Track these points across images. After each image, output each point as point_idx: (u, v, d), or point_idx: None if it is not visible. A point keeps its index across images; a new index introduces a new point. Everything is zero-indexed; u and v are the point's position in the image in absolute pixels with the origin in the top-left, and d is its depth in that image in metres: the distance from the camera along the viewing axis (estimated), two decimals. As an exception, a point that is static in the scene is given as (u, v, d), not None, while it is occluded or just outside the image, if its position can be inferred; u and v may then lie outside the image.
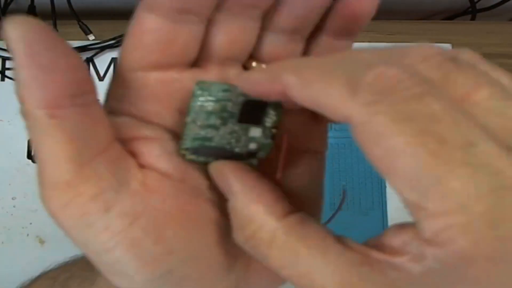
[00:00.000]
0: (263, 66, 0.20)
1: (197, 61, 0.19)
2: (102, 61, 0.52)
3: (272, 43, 0.20)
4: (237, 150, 0.19)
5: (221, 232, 0.19)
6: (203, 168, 0.19)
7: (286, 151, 0.19)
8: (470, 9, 0.60)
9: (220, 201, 0.19)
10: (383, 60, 0.14)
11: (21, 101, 0.15)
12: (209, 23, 0.18)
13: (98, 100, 0.17)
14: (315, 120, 0.20)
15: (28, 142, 0.51)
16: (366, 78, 0.13)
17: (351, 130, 0.14)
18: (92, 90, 0.16)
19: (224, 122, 0.19)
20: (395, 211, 0.53)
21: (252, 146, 0.19)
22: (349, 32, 0.20)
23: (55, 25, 0.50)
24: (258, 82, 0.17)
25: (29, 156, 0.51)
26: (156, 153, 0.18)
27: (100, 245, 0.17)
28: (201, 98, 0.18)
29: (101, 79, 0.52)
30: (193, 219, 0.18)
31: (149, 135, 0.18)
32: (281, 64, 0.16)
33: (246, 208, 0.17)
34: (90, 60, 0.52)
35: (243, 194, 0.17)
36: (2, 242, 0.49)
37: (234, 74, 0.20)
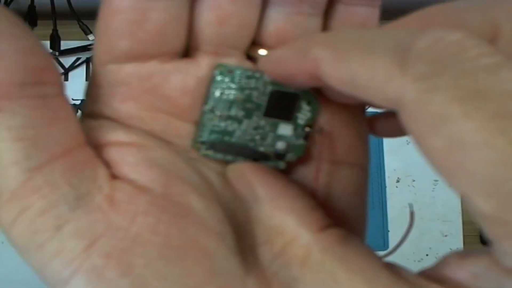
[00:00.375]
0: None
1: (187, 51, 0.16)
2: (102, 61, 0.53)
3: (279, 21, 0.16)
4: (261, 149, 0.17)
5: (214, 265, 0.15)
6: (195, 179, 0.16)
7: (324, 154, 0.16)
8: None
9: (217, 224, 0.15)
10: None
11: None
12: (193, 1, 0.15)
13: (64, 94, 0.14)
14: (356, 121, 0.17)
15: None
16: (419, 43, 0.10)
17: (399, 115, 0.11)
18: (54, 80, 0.14)
19: (248, 114, 0.16)
20: (395, 211, 0.53)
21: (280, 145, 0.17)
22: None
23: (55, 25, 0.50)
24: (283, 59, 0.14)
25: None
26: (131, 161, 0.15)
27: (54, 274, 0.13)
28: (221, 85, 0.16)
29: (101, 79, 0.52)
30: (174, 245, 0.14)
31: (124, 140, 0.16)
32: (310, 37, 0.13)
33: (274, 217, 0.15)
34: (90, 60, 0.52)
35: (270, 201, 0.15)
36: (2, 242, 0.49)
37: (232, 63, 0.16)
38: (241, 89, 0.16)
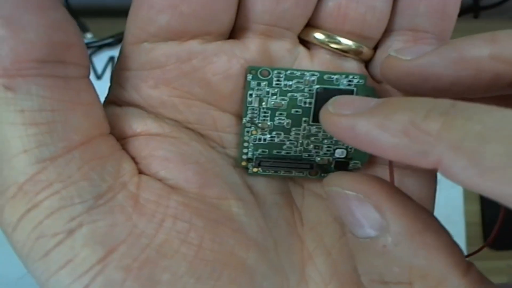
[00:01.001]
0: (328, 36, 0.15)
1: (232, 31, 0.14)
2: (100, 60, 0.52)
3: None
4: (318, 160, 0.15)
5: (253, 285, 0.13)
6: (235, 180, 0.14)
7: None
8: (473, 7, 0.59)
9: (258, 234, 0.14)
10: None
11: None
12: None
13: (88, 78, 0.13)
14: None
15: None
16: None
17: None
18: (79, 61, 0.12)
19: (296, 122, 0.14)
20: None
21: (340, 153, 0.15)
22: None
23: (52, 23, 0.50)
24: (387, 145, 0.11)
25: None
26: (162, 155, 0.13)
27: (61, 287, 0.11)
28: (258, 91, 0.14)
29: (99, 77, 0.51)
30: (208, 259, 0.12)
31: (154, 131, 0.14)
32: (431, 127, 0.10)
33: (415, 256, 0.11)
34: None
35: (411, 236, 0.12)
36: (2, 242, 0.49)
37: (284, 49, 0.14)
38: (282, 92, 0.14)
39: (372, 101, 0.12)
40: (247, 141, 0.14)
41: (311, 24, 0.15)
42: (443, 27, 0.16)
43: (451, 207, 0.52)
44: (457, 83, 0.13)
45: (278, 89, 0.14)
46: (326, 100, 0.13)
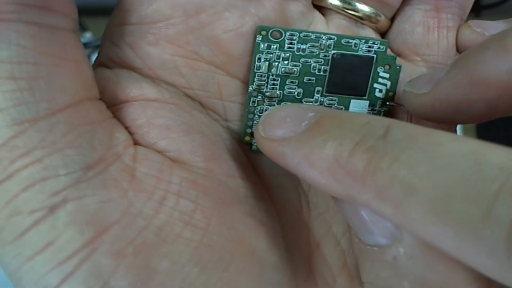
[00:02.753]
0: (344, 2, 0.14)
1: None
2: (100, 59, 0.51)
3: None
4: None
5: (262, 276, 0.11)
6: (241, 156, 0.13)
7: None
8: (474, 7, 0.59)
9: (267, 218, 0.12)
10: None
11: None
12: None
13: (76, 32, 0.11)
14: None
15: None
16: None
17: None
18: (67, 10, 0.10)
19: (308, 91, 0.13)
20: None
21: None
22: None
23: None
24: (316, 183, 0.10)
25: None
26: (162, 123, 0.12)
27: (35, 277, 0.09)
28: (268, 54, 0.13)
29: (98, 77, 0.51)
30: (214, 245, 0.11)
31: (152, 96, 0.12)
32: (356, 168, 0.09)
33: (427, 268, 0.10)
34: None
35: (419, 244, 0.10)
36: None
37: (298, 11, 0.13)
38: (294, 57, 0.12)
39: (306, 118, 0.11)
40: (253, 113, 0.13)
41: None
42: None
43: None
44: (484, 104, 0.12)
45: (290, 53, 0.13)
46: (342, 68, 0.13)
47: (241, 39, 0.13)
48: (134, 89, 0.12)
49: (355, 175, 0.09)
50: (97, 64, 0.13)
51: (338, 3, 0.14)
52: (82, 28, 0.50)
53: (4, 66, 0.09)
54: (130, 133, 0.12)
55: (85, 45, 0.51)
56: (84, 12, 0.51)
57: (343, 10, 0.14)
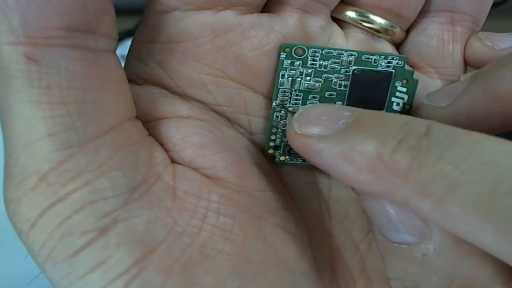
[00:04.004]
0: (360, 15, 0.14)
1: (268, 5, 0.14)
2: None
3: None
4: None
5: (294, 285, 0.12)
6: (269, 169, 0.14)
7: None
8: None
9: (296, 229, 0.13)
10: None
11: None
12: None
13: (115, 54, 0.11)
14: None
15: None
16: None
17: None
18: (109, 32, 0.11)
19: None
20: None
21: None
22: None
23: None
24: (353, 180, 0.11)
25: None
26: (197, 141, 0.12)
27: None
28: (291, 71, 0.13)
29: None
30: (252, 258, 0.11)
31: (185, 114, 0.12)
32: (399, 165, 0.10)
33: (460, 265, 0.11)
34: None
35: (454, 245, 0.11)
36: (2, 242, 0.49)
37: (318, 26, 0.14)
38: (317, 73, 0.13)
39: (343, 117, 0.11)
40: (276, 127, 0.13)
41: (346, 1, 0.14)
42: (480, 9, 0.16)
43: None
44: (501, 117, 0.12)
45: (313, 69, 0.13)
46: (362, 82, 0.13)
47: (266, 56, 0.13)
48: (167, 107, 0.12)
49: (398, 171, 0.10)
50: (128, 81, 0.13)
51: (355, 16, 0.14)
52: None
53: (54, 92, 0.09)
54: (166, 151, 0.12)
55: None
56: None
57: (360, 23, 0.15)
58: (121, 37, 0.51)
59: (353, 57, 0.13)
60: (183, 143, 0.12)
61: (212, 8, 0.12)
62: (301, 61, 0.13)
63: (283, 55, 0.13)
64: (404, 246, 0.11)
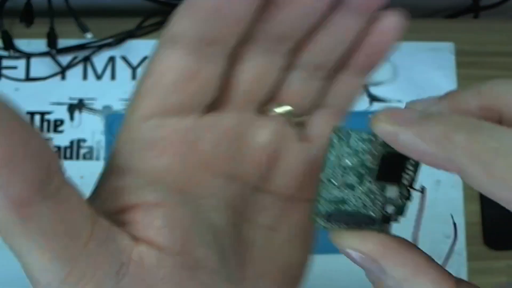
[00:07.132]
0: (284, 109, 0.18)
1: (214, 104, 0.17)
2: (100, 60, 0.51)
3: (293, 82, 0.18)
4: (372, 214, 0.16)
5: None
6: (201, 231, 0.16)
7: (423, 212, 0.16)
8: (473, 7, 0.59)
9: (225, 269, 0.16)
10: None
11: None
12: (233, 60, 0.16)
13: (67, 177, 0.14)
14: None
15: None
16: None
17: None
18: (58, 168, 0.13)
19: (361, 180, 0.15)
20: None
21: (390, 209, 0.16)
22: (371, 66, 0.18)
23: (52, 23, 0.50)
24: (419, 148, 0.13)
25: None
26: (159, 224, 0.15)
27: None
28: (339, 150, 0.15)
29: (99, 78, 0.51)
30: None
31: (152, 200, 0.15)
32: (456, 139, 0.13)
33: (408, 281, 0.15)
34: (87, 59, 0.51)
35: (405, 271, 0.15)
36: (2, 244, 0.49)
37: (248, 118, 0.17)
38: (356, 153, 0.15)
39: (417, 113, 0.14)
40: (324, 198, 0.15)
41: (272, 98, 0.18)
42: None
43: (451, 207, 0.52)
44: None
45: (354, 149, 0.15)
46: (388, 162, 0.15)
47: (220, 147, 0.17)
48: (139, 197, 0.16)
49: (458, 143, 0.12)
50: (109, 172, 0.16)
51: (277, 110, 0.18)
52: (83, 29, 0.50)
53: (48, 232, 0.13)
54: (129, 230, 0.15)
55: (86, 45, 0.51)
56: (85, 12, 0.52)
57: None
58: (121, 37, 0.51)
59: (382, 139, 0.15)
60: (148, 226, 0.15)
61: (177, 114, 0.16)
62: (346, 142, 0.15)
63: (335, 137, 0.15)
64: (380, 281, 0.15)
